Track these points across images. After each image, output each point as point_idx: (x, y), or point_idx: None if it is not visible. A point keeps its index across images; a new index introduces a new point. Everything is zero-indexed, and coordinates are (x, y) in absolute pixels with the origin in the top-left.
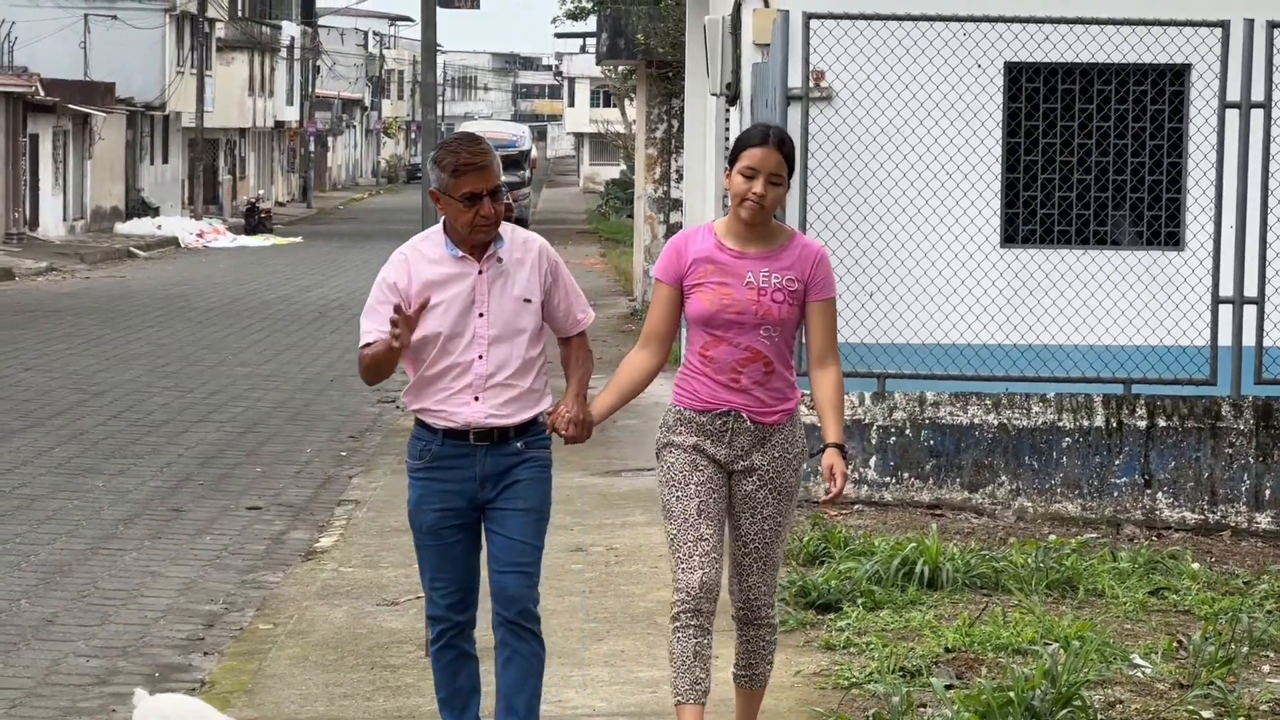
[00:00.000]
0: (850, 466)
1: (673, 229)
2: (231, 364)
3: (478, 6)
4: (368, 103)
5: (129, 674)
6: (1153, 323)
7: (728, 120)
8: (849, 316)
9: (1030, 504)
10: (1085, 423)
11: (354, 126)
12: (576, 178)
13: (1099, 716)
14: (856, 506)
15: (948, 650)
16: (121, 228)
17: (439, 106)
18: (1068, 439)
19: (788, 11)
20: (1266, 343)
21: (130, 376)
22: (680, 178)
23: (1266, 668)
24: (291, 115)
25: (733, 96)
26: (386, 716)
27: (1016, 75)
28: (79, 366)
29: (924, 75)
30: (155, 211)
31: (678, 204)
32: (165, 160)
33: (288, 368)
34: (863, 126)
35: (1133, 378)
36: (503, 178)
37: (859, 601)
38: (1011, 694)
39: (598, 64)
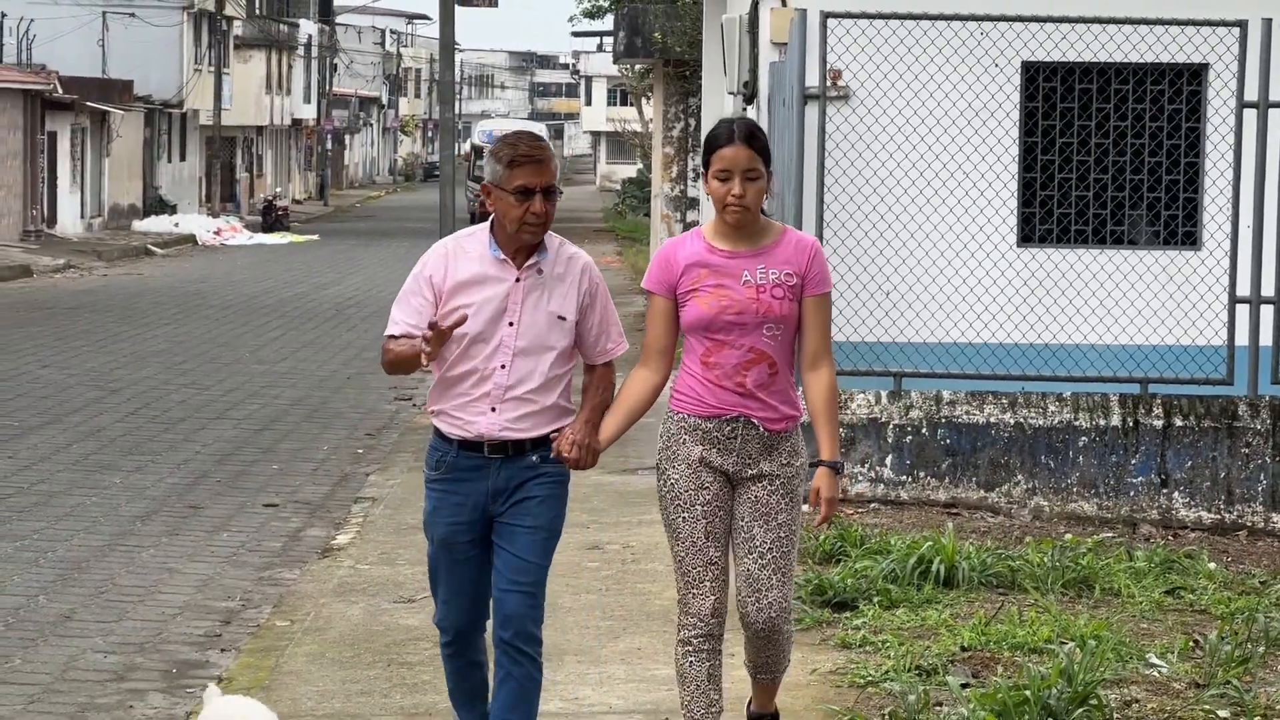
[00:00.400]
0: (867, 465)
1: (689, 227)
2: (248, 361)
3: (495, 5)
4: (385, 101)
5: (146, 670)
6: (1169, 322)
7: None
8: (865, 315)
9: (1046, 503)
10: (1102, 422)
11: (371, 124)
12: (593, 176)
13: (1115, 715)
14: (873, 505)
15: (964, 649)
16: (139, 225)
17: (456, 105)
18: (1084, 438)
19: (805, 10)
20: None
21: (147, 374)
22: (697, 176)
23: None
24: (309, 113)
25: (750, 95)
26: (403, 713)
27: (1034, 74)
28: (96, 363)
29: (941, 74)
30: (173, 209)
31: (694, 202)
32: (183, 158)
33: (305, 365)
34: (880, 126)
35: (1149, 377)
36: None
37: (875, 600)
38: (1028, 693)
39: (615, 63)
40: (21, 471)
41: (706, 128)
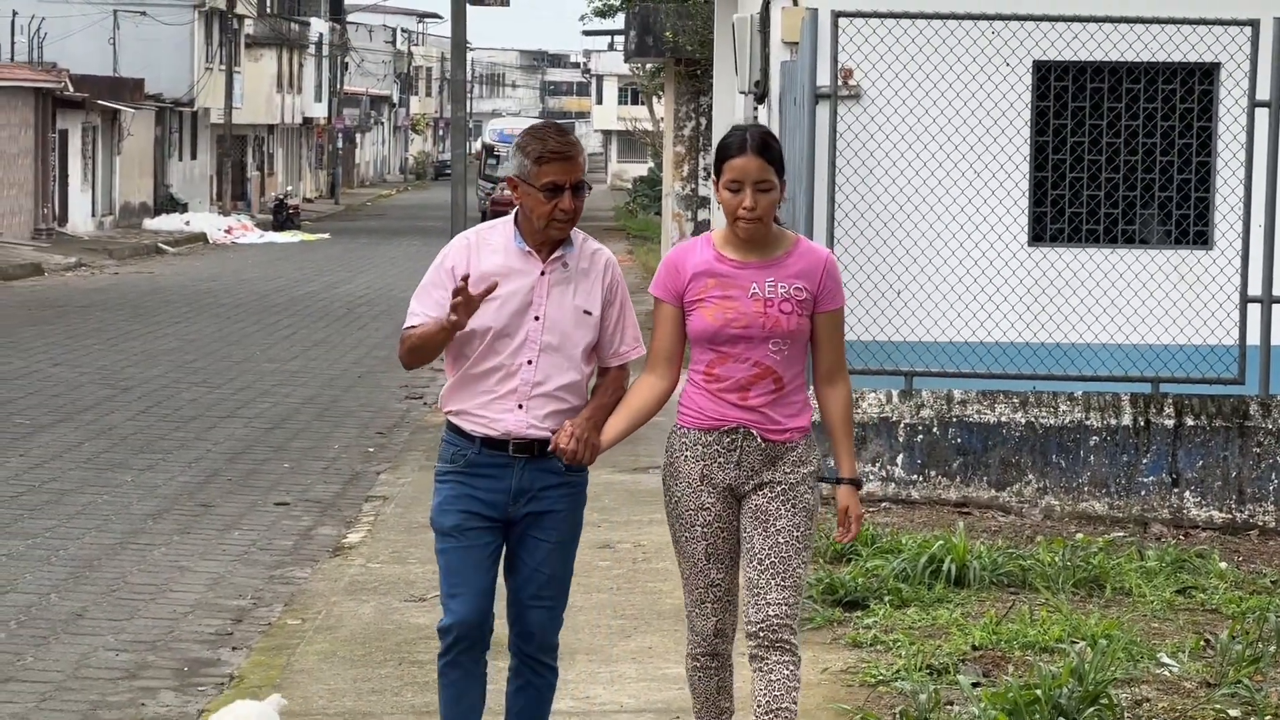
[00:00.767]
0: (878, 464)
1: (700, 226)
2: (259, 360)
3: (507, 4)
4: (396, 99)
5: (158, 668)
6: (1181, 322)
7: (756, 118)
8: (876, 314)
9: (1057, 502)
10: (1113, 421)
11: (382, 123)
12: (604, 175)
13: (1126, 715)
14: (884, 504)
15: (975, 648)
16: (150, 224)
17: (467, 104)
18: (1095, 437)
19: (816, 10)
20: None
21: (159, 372)
22: (708, 175)
23: None
24: (320, 112)
25: (761, 94)
26: (414, 712)
27: (1045, 74)
28: (108, 362)
29: (952, 74)
30: (184, 207)
31: (705, 201)
32: (194, 156)
33: (315, 364)
34: (891, 125)
35: (1160, 377)
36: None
37: (886, 599)
38: (1039, 692)
39: (626, 61)
40: (33, 469)
41: (718, 127)
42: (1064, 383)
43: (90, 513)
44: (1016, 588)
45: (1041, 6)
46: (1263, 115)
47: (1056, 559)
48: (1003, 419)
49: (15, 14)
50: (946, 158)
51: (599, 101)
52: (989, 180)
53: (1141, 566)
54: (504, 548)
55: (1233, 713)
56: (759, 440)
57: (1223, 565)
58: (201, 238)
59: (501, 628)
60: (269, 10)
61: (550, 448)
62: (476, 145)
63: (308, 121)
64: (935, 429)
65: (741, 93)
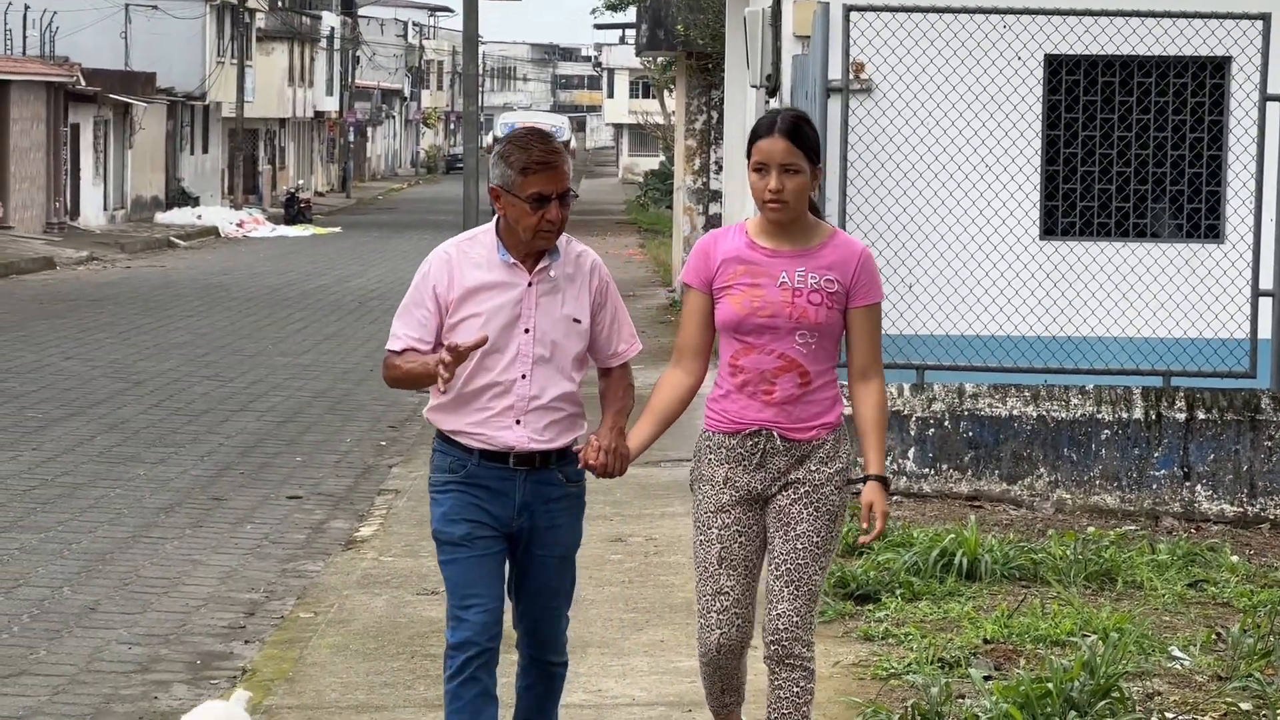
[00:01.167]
0: (890, 458)
1: (712, 220)
2: (271, 353)
3: None
4: (407, 93)
5: (170, 662)
6: (1192, 315)
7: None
8: (888, 308)
9: (1069, 496)
10: (1124, 415)
11: (393, 117)
12: (615, 168)
13: (1137, 708)
14: (895, 498)
15: (986, 641)
16: (162, 217)
17: (479, 97)
18: (1106, 431)
19: (828, 3)
20: None
21: (170, 365)
22: (720, 169)
23: None
24: (331, 105)
25: (773, 88)
26: (427, 705)
27: (1056, 68)
28: (119, 355)
29: (964, 67)
30: (195, 201)
31: (717, 195)
32: (205, 150)
33: (327, 357)
34: (902, 119)
35: (1172, 370)
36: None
37: (897, 592)
38: (1050, 685)
39: (637, 55)
40: (45, 463)
41: (729, 121)
42: (1075, 376)
43: (102, 506)
44: (1028, 581)
45: (1053, 1)
46: (1274, 109)
47: (1068, 552)
48: (1014, 412)
49: (27, 8)
50: (958, 151)
51: (610, 95)
52: (1000, 174)
53: (1153, 560)
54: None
55: (1244, 706)
56: (780, 442)
57: (1234, 559)
58: (213, 231)
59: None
60: (280, 4)
61: (579, 464)
62: (488, 139)
63: (319, 115)
64: (947, 422)
65: (753, 86)
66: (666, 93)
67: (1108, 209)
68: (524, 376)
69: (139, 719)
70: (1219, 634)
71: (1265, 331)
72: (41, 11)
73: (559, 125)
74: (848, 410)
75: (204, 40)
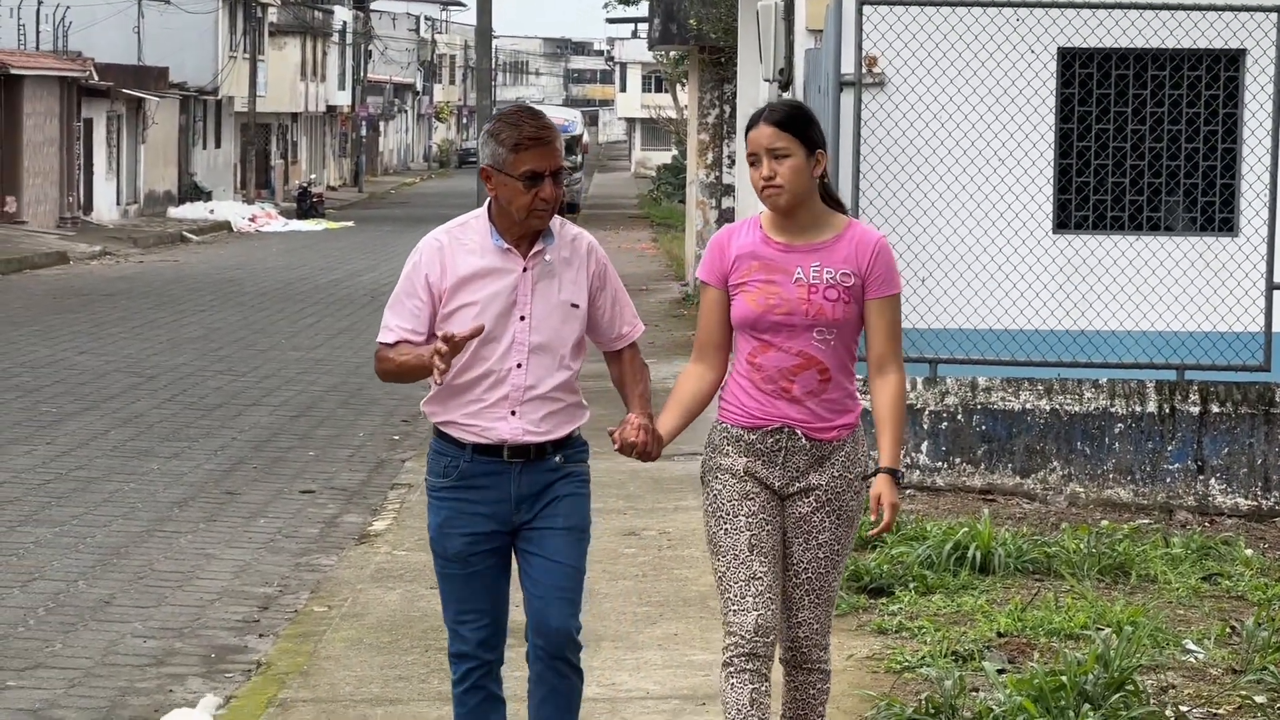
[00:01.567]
0: (903, 451)
1: (725, 214)
2: (284, 348)
3: None
4: (419, 87)
5: (185, 655)
6: (1206, 309)
7: None
8: (901, 301)
9: (1082, 489)
10: (1138, 408)
11: (405, 111)
12: (628, 163)
13: (1151, 701)
14: (909, 491)
15: (1000, 635)
16: (174, 212)
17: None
18: (1120, 424)
19: None
20: None
21: (184, 360)
22: (733, 163)
23: None
24: (343, 100)
25: (786, 82)
26: (441, 698)
27: (1070, 61)
28: (133, 350)
29: (977, 61)
30: (208, 196)
31: (730, 189)
32: (218, 145)
33: (340, 352)
34: (915, 112)
35: (1186, 364)
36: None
37: (911, 586)
38: (1064, 678)
39: (650, 49)
40: (60, 458)
41: (742, 114)
42: (1089, 369)
43: (117, 500)
44: (1041, 574)
45: None
46: None
47: (1081, 546)
48: (1027, 406)
49: (40, 3)
50: (971, 145)
51: (623, 89)
52: (1014, 168)
53: (1167, 553)
54: (512, 553)
55: (1258, 699)
56: (804, 441)
57: (1248, 552)
58: (226, 226)
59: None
60: None
61: (615, 446)
62: None
63: (331, 109)
64: (960, 416)
65: (766, 80)
66: (679, 87)
67: (1121, 202)
68: (519, 365)
69: (154, 712)
70: (1233, 627)
71: (1279, 325)
72: (55, 6)
73: (571, 120)
74: (865, 403)
75: (216, 35)
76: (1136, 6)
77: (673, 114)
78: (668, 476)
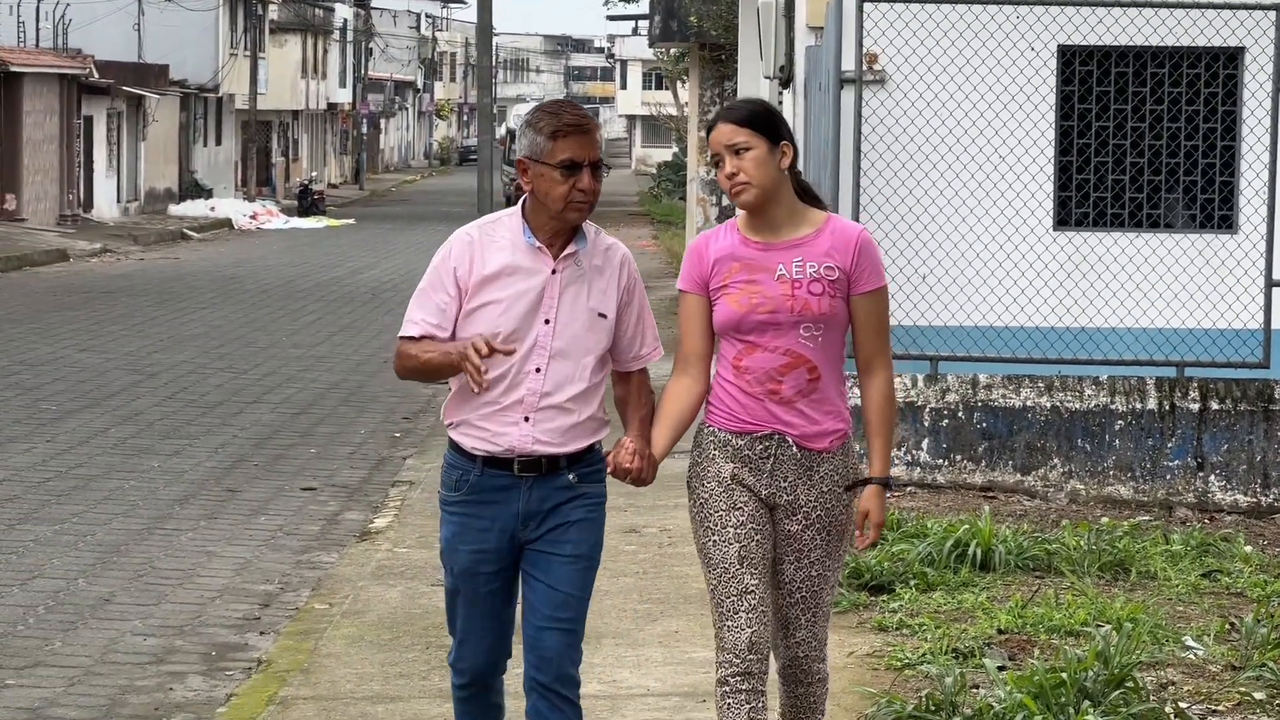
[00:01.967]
0: (903, 449)
1: (725, 211)
2: (285, 345)
3: None
4: (420, 85)
5: (186, 653)
6: (1205, 306)
7: (780, 104)
8: (902, 299)
9: (1082, 486)
10: (1138, 405)
11: (406, 109)
12: (629, 160)
13: (1151, 698)
14: (909, 488)
15: (1000, 632)
16: (175, 209)
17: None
18: (1120, 421)
19: None
20: None
21: (185, 358)
22: None
23: None
24: (344, 97)
25: (786, 79)
26: (442, 695)
27: (1070, 58)
28: (133, 347)
29: (977, 58)
30: (208, 193)
31: None
32: (218, 142)
33: (341, 349)
34: (916, 109)
35: (1185, 361)
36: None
37: (911, 583)
38: (1064, 675)
39: (650, 46)
40: (60, 455)
41: None
42: (1089, 367)
43: (117, 498)
44: (1042, 571)
45: None
46: None
47: (1082, 543)
48: (1028, 403)
49: (40, 0)
50: (971, 142)
51: (623, 86)
52: (1014, 165)
53: (1167, 550)
54: (517, 573)
55: (1258, 695)
56: (794, 449)
57: (1248, 549)
58: (226, 223)
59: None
60: None
61: (610, 470)
62: (501, 131)
63: (332, 107)
64: (960, 413)
65: (766, 78)
66: (679, 84)
67: (1121, 199)
68: (538, 370)
69: (154, 710)
70: (1233, 624)
71: (1278, 322)
72: (55, 4)
73: None
74: (855, 401)
75: (217, 32)
76: (1136, 4)
77: (673, 111)
78: (669, 474)
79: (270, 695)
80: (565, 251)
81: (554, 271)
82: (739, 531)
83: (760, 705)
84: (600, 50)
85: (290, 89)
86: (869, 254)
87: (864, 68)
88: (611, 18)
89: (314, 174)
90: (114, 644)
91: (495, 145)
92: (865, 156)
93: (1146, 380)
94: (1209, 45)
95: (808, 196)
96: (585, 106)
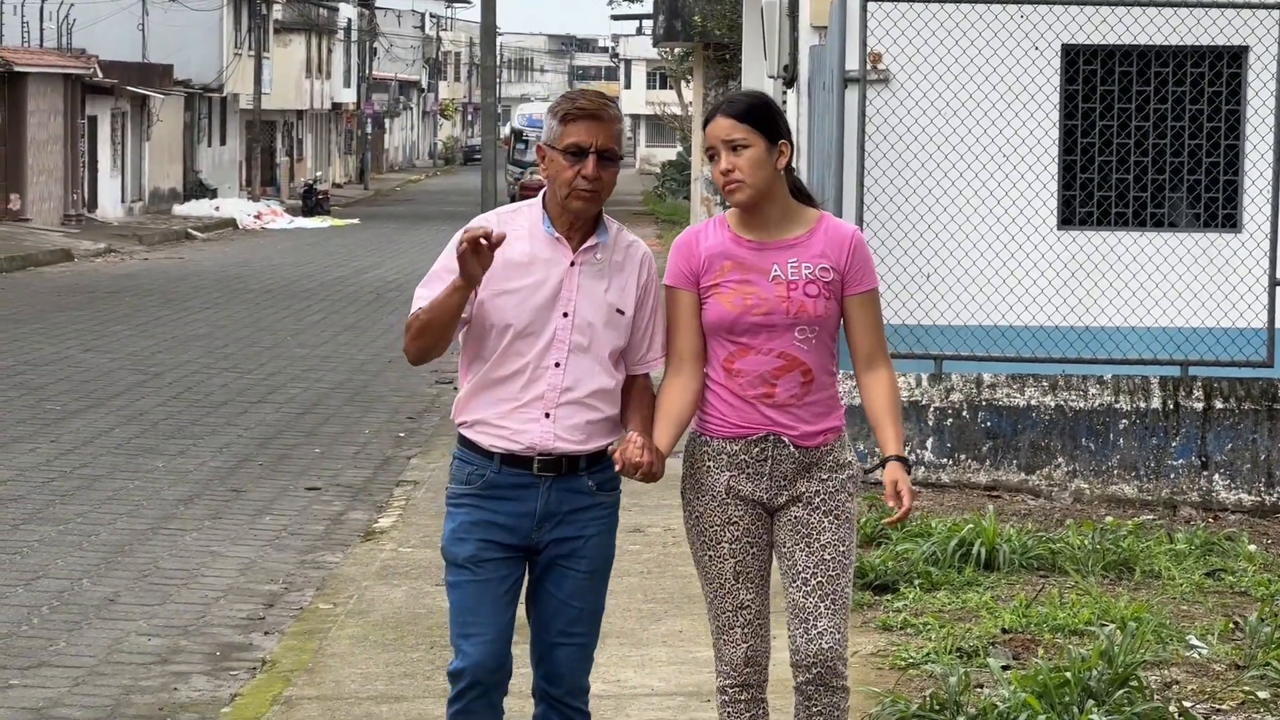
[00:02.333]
0: (908, 448)
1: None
2: (290, 345)
3: None
4: (424, 85)
5: (190, 653)
6: (1210, 305)
7: (784, 103)
8: (906, 298)
9: (1087, 486)
10: (1142, 404)
11: (411, 108)
12: (633, 159)
13: (1155, 697)
14: (913, 488)
15: (1005, 631)
16: (179, 209)
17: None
18: (1124, 421)
19: None
20: None
21: (189, 357)
22: None
23: None
24: (348, 97)
25: (790, 79)
26: (446, 696)
27: (1074, 57)
28: (138, 347)
29: (981, 58)
30: (213, 193)
31: None
32: (223, 142)
33: (345, 349)
34: (920, 109)
35: (1190, 360)
36: (620, 146)
37: (916, 582)
38: (1068, 674)
39: (654, 46)
40: (64, 455)
41: None
42: (1093, 366)
43: (121, 498)
44: (1046, 571)
45: None
46: None
47: (1086, 542)
48: (1032, 402)
49: (44, 0)
50: (975, 141)
51: (627, 86)
52: (1018, 164)
53: (1171, 549)
54: (524, 579)
55: (1261, 694)
56: (791, 448)
57: (1252, 548)
58: (231, 223)
59: (520, 671)
60: None
61: (617, 465)
62: (505, 130)
63: (337, 107)
64: (965, 412)
65: (770, 77)
66: (684, 83)
67: (1125, 199)
68: (558, 364)
69: (159, 710)
70: (1236, 623)
71: None
72: (59, 4)
73: None
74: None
75: (221, 32)
76: (1140, 3)
77: (677, 110)
78: (673, 473)
79: (275, 695)
80: (585, 245)
81: (572, 263)
82: (734, 547)
83: (761, 713)
84: (605, 50)
85: (295, 89)
86: (862, 255)
87: (868, 67)
88: (616, 17)
89: (318, 174)
90: (118, 644)
91: (499, 145)
92: (869, 156)
93: (1151, 379)
94: (1213, 44)
95: (800, 195)
96: None
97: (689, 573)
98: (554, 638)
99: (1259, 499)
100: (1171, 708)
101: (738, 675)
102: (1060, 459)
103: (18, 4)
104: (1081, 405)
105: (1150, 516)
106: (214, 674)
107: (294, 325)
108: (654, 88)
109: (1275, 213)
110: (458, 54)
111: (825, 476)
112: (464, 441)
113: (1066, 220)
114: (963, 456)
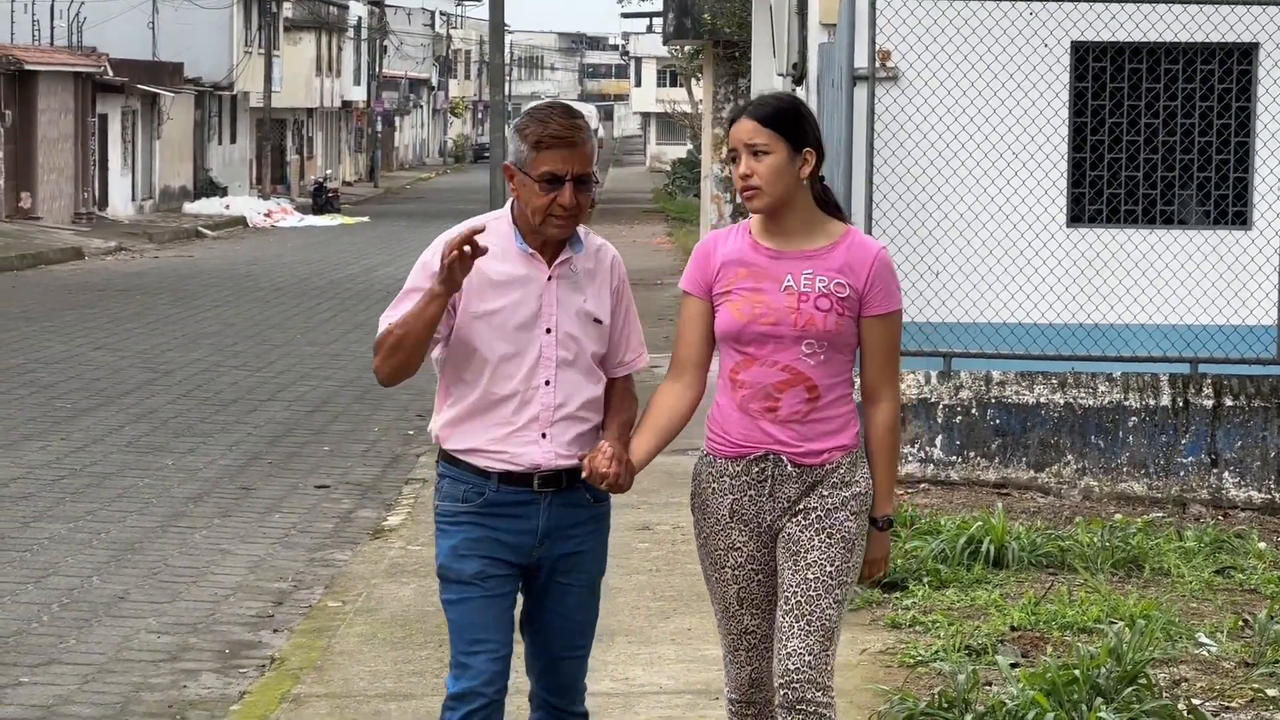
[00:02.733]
0: (917, 445)
1: (739, 209)
2: (299, 343)
3: None
4: (434, 82)
5: (200, 651)
6: (1219, 302)
7: None
8: (915, 296)
9: (1096, 483)
10: (1151, 402)
11: (421, 106)
12: (643, 157)
13: (1164, 695)
14: (922, 485)
15: (1013, 629)
16: (190, 207)
17: (506, 86)
18: (1134, 418)
19: None
20: None
21: (199, 355)
22: None
23: None
24: (359, 95)
25: (799, 76)
26: None
27: (1083, 55)
28: (148, 345)
29: (990, 55)
30: (223, 191)
31: None
32: (233, 140)
33: (355, 347)
34: (929, 106)
35: (1199, 357)
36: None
37: (925, 580)
38: (1077, 672)
39: (664, 44)
40: (75, 453)
41: None
42: (1102, 363)
43: (131, 496)
44: (1055, 568)
45: None
46: None
47: (1095, 540)
48: (1041, 400)
49: None
50: (985, 139)
51: (637, 84)
52: (1027, 161)
53: (1180, 547)
54: (519, 597)
55: (1270, 692)
56: (789, 467)
57: (1261, 545)
58: (241, 221)
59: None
60: None
61: (585, 474)
62: None
63: (347, 105)
64: (974, 410)
65: (779, 75)
66: (694, 81)
67: (1135, 196)
68: (547, 383)
69: (168, 707)
70: (1246, 620)
71: None
72: (69, 2)
73: (586, 115)
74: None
75: (231, 30)
76: (1149, 0)
77: (687, 108)
78: (681, 470)
79: (284, 693)
80: (561, 258)
81: (550, 279)
82: (736, 573)
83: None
84: (615, 48)
85: (305, 87)
86: (885, 275)
87: (877, 65)
88: (626, 15)
89: (328, 171)
90: (128, 641)
91: (509, 143)
92: (878, 153)
93: (1160, 377)
94: (1223, 41)
95: (828, 206)
96: (599, 104)
97: (698, 570)
98: (559, 652)
99: (1269, 496)
100: (1180, 705)
101: (743, 693)
102: (1069, 456)
103: (28, 2)
104: (1091, 403)
105: (1160, 514)
106: (223, 671)
107: (304, 323)
108: (664, 85)
109: None
110: (468, 52)
111: (826, 493)
112: (453, 460)
113: (1076, 218)
114: (972, 454)
